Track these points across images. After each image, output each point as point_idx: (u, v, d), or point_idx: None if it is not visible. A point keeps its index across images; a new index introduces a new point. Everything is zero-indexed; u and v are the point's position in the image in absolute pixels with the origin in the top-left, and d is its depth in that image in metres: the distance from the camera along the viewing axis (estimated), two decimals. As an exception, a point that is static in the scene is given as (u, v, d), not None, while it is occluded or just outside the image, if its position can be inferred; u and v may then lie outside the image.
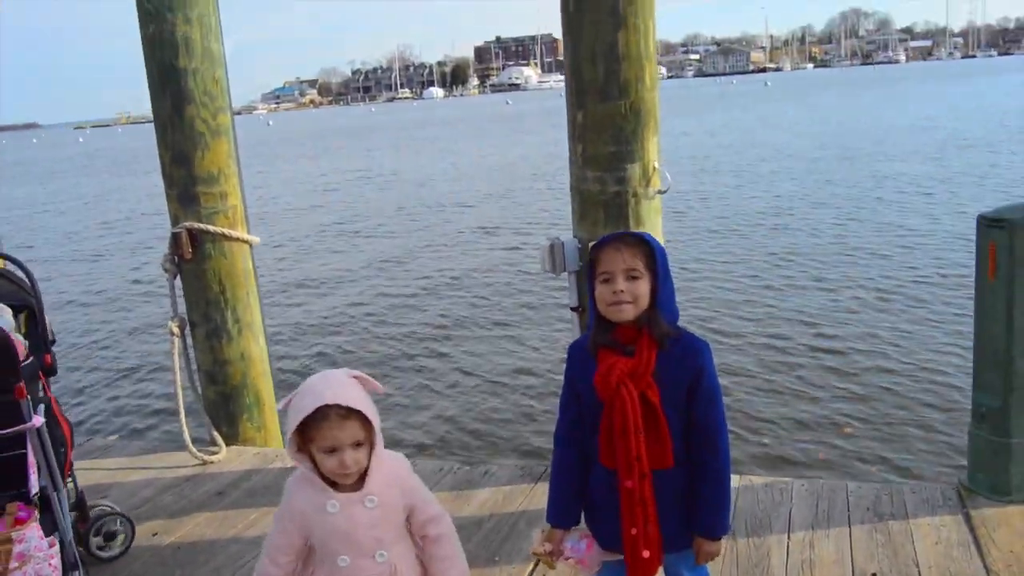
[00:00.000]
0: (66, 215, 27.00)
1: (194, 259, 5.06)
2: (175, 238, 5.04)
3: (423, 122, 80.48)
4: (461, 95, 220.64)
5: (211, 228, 5.01)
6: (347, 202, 24.56)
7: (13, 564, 2.96)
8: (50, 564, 3.08)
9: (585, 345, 2.49)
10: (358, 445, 2.19)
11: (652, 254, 2.39)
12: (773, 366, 8.39)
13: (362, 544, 2.26)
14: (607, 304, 2.39)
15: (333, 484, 2.26)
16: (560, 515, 2.59)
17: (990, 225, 3.86)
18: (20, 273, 3.66)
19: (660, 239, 4.29)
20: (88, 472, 4.96)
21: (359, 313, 11.85)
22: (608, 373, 2.38)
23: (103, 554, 3.87)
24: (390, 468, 2.32)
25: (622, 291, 2.36)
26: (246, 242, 5.18)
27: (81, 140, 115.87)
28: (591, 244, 2.54)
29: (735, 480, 4.33)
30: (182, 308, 5.23)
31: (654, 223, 4.32)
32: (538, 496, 4.26)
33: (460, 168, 32.35)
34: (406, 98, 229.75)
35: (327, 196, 26.61)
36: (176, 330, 5.13)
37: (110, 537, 3.92)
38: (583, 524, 2.63)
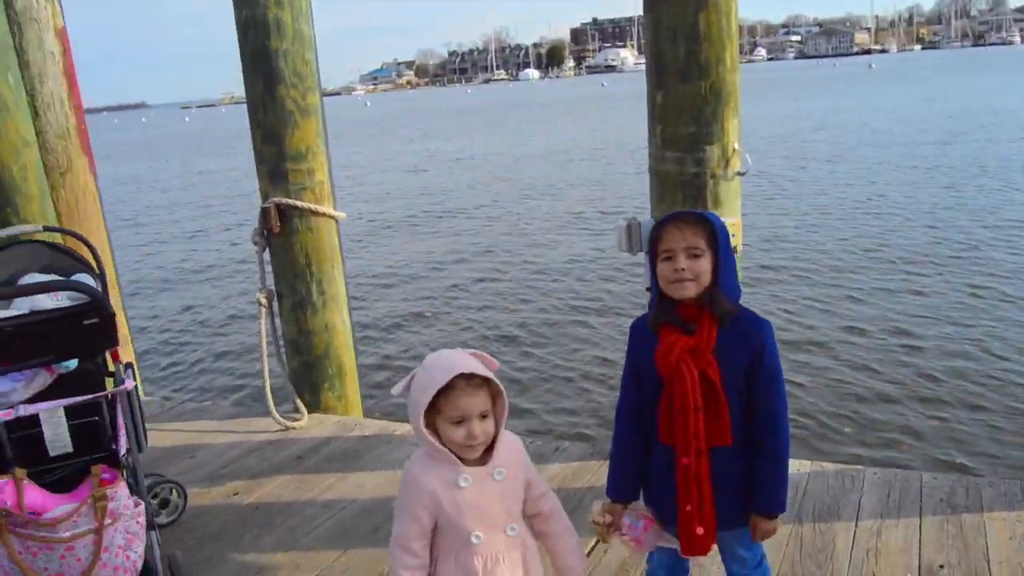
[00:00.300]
0: (168, 192, 28.02)
1: (282, 233, 5.24)
2: (264, 213, 5.23)
3: (518, 103, 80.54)
4: (556, 77, 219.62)
5: (299, 203, 5.18)
6: (437, 182, 24.84)
7: (107, 521, 3.09)
8: (137, 522, 3.21)
9: (647, 323, 2.53)
10: (484, 417, 2.20)
11: (713, 232, 2.41)
12: (855, 356, 8.23)
13: (495, 518, 2.24)
14: (668, 282, 2.41)
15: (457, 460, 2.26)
16: (619, 489, 2.65)
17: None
18: (85, 249, 3.83)
19: (739, 221, 4.29)
20: (178, 433, 5.22)
21: (441, 290, 12.05)
22: (669, 351, 2.41)
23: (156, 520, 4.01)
24: (510, 441, 2.34)
25: (683, 269, 2.37)
26: (332, 217, 5.34)
27: (187, 119, 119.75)
28: (654, 223, 2.57)
29: (806, 465, 4.31)
30: (270, 281, 5.44)
31: (733, 205, 4.30)
32: (606, 473, 4.30)
33: (551, 149, 32.34)
34: (501, 79, 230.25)
35: (418, 176, 26.96)
36: (264, 301, 5.33)
37: (164, 504, 4.09)
38: (643, 504, 2.67)
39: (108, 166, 39.85)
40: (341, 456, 4.76)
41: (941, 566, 3.38)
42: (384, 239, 16.43)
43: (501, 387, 2.23)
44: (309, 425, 5.23)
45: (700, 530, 2.48)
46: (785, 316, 9.50)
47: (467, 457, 2.22)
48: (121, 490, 3.16)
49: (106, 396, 3.28)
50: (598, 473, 4.33)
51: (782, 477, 2.49)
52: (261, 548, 3.85)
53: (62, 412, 3.20)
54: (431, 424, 2.19)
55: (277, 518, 4.11)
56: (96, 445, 3.29)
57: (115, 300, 6.26)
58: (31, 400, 3.13)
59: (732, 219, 4.19)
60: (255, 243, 5.33)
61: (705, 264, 2.39)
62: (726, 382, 2.40)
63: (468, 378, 2.16)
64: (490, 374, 2.20)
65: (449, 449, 2.22)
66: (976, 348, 8.17)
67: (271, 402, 5.19)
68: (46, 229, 4.09)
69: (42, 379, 3.17)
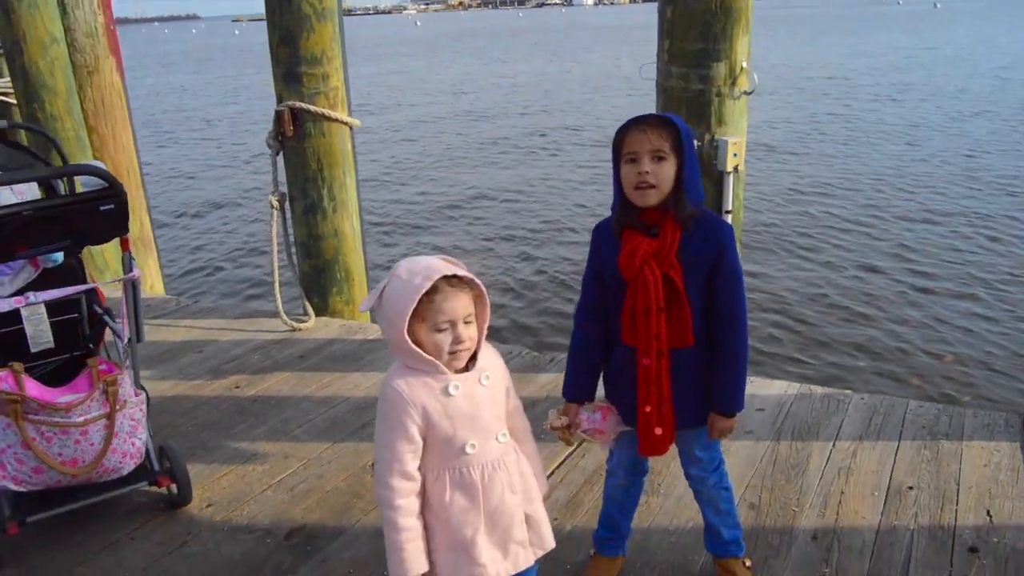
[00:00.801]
0: (205, 97, 28.13)
1: (295, 137, 5.29)
2: (278, 116, 5.28)
3: (568, 28, 79.30)
4: (612, 3, 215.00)
5: (312, 108, 5.22)
6: (472, 100, 24.73)
7: (117, 407, 3.17)
8: (140, 410, 3.29)
9: (611, 225, 2.54)
10: (468, 321, 2.07)
11: (678, 135, 2.37)
12: (864, 289, 8.23)
13: (487, 425, 2.13)
14: (632, 186, 2.39)
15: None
16: (574, 390, 2.68)
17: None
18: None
19: (743, 140, 4.26)
20: (190, 330, 5.37)
21: (450, 205, 12.20)
22: (632, 254, 2.41)
23: None
24: (489, 347, 2.21)
25: (647, 172, 2.35)
26: (345, 123, 5.37)
27: (237, 32, 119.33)
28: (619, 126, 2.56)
29: (794, 387, 4.35)
30: (284, 185, 5.51)
31: (739, 124, 4.27)
32: (595, 385, 4.40)
33: (588, 74, 31.92)
34: (555, 4, 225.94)
35: (454, 96, 26.81)
36: (276, 204, 5.42)
37: None
38: (601, 400, 2.71)
39: (152, 75, 40.07)
40: (342, 357, 4.88)
41: (910, 487, 3.43)
42: (404, 150, 16.59)
43: (483, 288, 2.11)
44: (315, 327, 5.35)
45: (659, 430, 2.53)
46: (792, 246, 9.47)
47: (452, 366, 2.09)
48: (125, 377, 3.25)
49: (93, 289, 3.33)
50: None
51: (741, 377, 2.53)
52: (254, 437, 4.00)
53: (43, 308, 3.27)
54: (412, 333, 2.04)
55: (273, 411, 4.26)
56: (75, 342, 3.33)
57: (139, 201, 6.41)
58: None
59: (735, 138, 4.18)
60: (269, 146, 5.40)
61: (669, 168, 2.36)
62: (688, 284, 2.41)
63: (451, 280, 2.03)
64: (472, 275, 2.09)
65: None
66: (984, 289, 8.12)
67: (280, 303, 5.31)
68: (11, 127, 4.02)
69: (27, 274, 3.24)
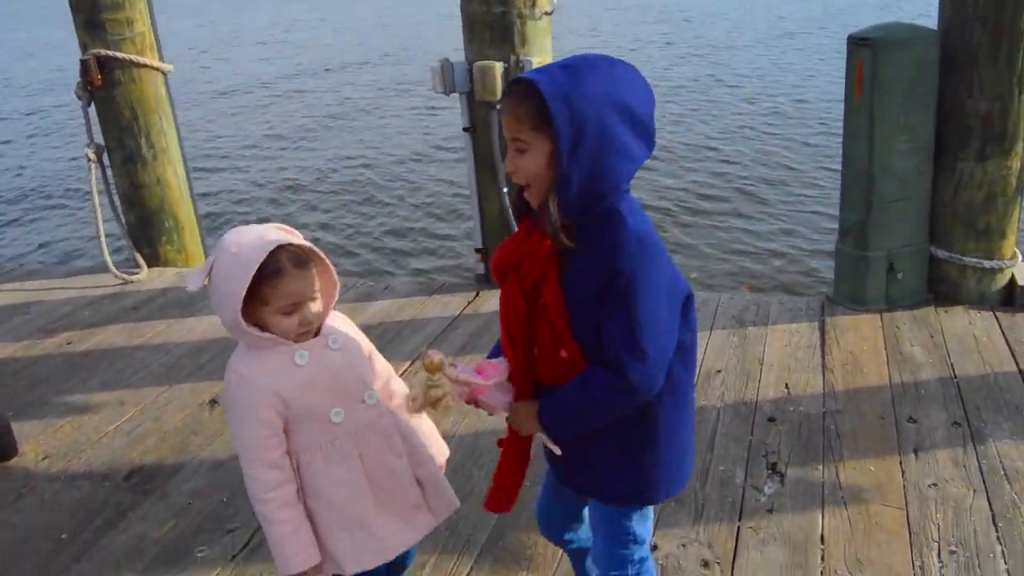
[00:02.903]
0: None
1: (105, 86, 5.13)
2: (84, 65, 5.09)
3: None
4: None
5: (119, 55, 5.06)
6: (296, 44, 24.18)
7: None
8: None
9: None
10: (314, 298, 1.90)
11: (543, 106, 1.60)
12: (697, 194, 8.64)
13: (347, 388, 1.97)
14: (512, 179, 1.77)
15: None
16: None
17: (857, 44, 3.98)
18: None
19: (548, 60, 4.41)
20: (13, 293, 5.19)
21: (274, 144, 12.06)
22: (502, 256, 1.84)
23: None
24: (336, 313, 2.05)
25: (510, 168, 1.72)
26: (157, 69, 5.24)
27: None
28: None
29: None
30: (99, 137, 5.35)
31: (542, 44, 4.42)
32: (429, 307, 4.54)
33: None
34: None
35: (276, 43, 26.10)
36: (93, 156, 5.26)
37: None
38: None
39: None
40: (176, 304, 4.84)
41: (718, 371, 3.73)
42: (224, 93, 16.16)
43: (326, 259, 1.92)
44: (148, 278, 5.26)
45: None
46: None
47: (298, 340, 1.92)
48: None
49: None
50: (422, 307, 4.55)
51: (575, 410, 1.79)
52: (88, 389, 3.96)
53: None
54: (250, 317, 1.85)
55: (107, 362, 4.21)
56: None
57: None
58: None
59: (539, 58, 4.33)
60: (79, 97, 5.21)
61: (533, 160, 1.66)
62: (575, 319, 1.73)
63: (292, 256, 1.84)
64: (310, 244, 1.89)
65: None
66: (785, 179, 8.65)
67: (107, 257, 5.19)
68: None
69: None
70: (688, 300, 1.80)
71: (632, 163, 1.67)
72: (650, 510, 1.99)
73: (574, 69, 1.63)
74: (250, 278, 1.77)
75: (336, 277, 1.96)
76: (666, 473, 1.89)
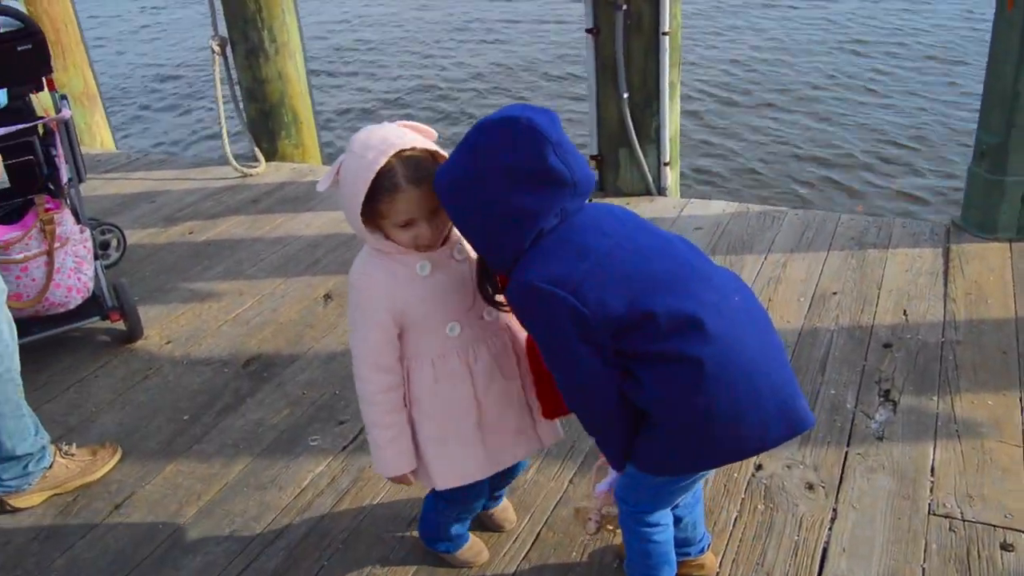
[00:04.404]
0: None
1: (229, -24, 5.19)
2: (210, -45, 5.15)
3: None
4: None
5: (244, -54, 5.09)
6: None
7: (56, 244, 3.31)
8: (84, 247, 3.43)
9: None
10: (434, 213, 1.82)
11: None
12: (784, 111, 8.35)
13: (467, 303, 1.93)
14: None
15: None
16: None
17: (1013, -48, 3.69)
18: None
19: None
20: (142, 181, 5.40)
21: (398, 47, 12.02)
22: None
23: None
24: None
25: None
26: (285, -41, 5.26)
27: None
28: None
29: (732, 207, 4.50)
30: (223, 28, 5.42)
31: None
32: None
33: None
34: None
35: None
36: (216, 48, 5.34)
37: (104, 246, 4.26)
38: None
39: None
40: (293, 199, 4.96)
41: (834, 293, 3.63)
42: None
43: None
44: (266, 172, 5.39)
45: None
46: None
47: (420, 250, 1.88)
48: (66, 216, 3.36)
49: (38, 127, 3.36)
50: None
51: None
52: (209, 278, 4.12)
53: (-3, 150, 3.31)
54: (372, 224, 1.84)
55: (227, 253, 4.36)
56: (32, 183, 3.40)
57: (81, 56, 6.28)
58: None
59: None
60: (204, -12, 5.28)
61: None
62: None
63: (411, 169, 1.76)
64: (435, 146, 1.83)
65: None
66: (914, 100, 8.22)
67: (228, 150, 5.32)
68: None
69: (-31, 118, 3.25)
70: (650, 314, 1.65)
71: (536, 218, 1.68)
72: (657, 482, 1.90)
73: (458, 154, 1.71)
74: (368, 183, 1.74)
75: None
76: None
